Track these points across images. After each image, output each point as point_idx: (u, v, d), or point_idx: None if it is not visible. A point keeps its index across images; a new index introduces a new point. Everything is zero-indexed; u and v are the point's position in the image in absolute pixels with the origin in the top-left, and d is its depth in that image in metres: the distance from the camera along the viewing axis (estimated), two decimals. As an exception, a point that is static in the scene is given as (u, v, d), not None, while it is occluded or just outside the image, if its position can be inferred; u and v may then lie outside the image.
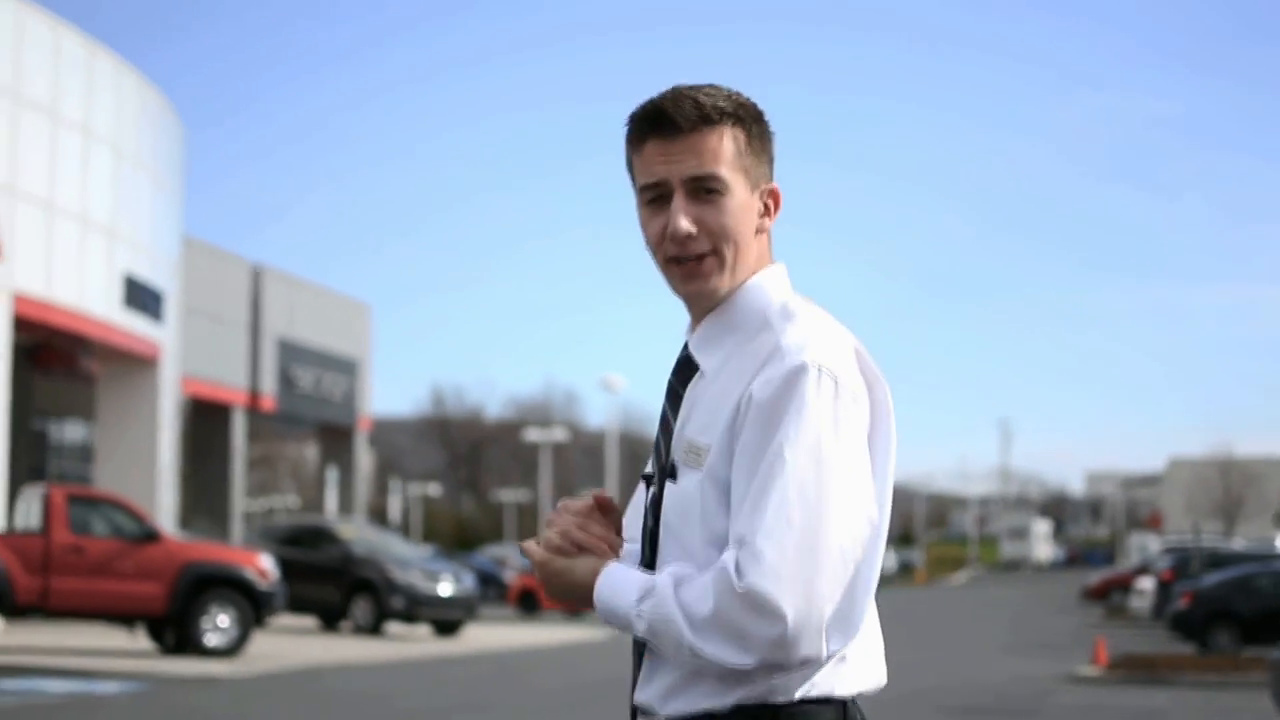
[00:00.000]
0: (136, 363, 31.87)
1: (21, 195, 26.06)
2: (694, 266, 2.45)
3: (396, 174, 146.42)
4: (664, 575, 2.37)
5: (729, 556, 2.30)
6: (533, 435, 78.99)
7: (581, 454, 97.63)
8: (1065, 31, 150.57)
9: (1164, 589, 35.86)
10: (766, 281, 2.49)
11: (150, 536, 21.08)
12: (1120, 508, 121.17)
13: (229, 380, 41.81)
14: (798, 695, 2.38)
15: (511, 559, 53.76)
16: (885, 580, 77.36)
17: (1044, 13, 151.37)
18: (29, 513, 21.47)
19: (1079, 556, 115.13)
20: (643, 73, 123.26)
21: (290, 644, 24.67)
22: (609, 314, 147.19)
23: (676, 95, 2.46)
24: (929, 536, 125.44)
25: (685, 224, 2.42)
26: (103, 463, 32.49)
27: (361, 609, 28.95)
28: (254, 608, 21.39)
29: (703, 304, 2.49)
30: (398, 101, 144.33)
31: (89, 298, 28.48)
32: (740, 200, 2.46)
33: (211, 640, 21.12)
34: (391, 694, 17.64)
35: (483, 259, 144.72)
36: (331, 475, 50.26)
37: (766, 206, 2.51)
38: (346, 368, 48.72)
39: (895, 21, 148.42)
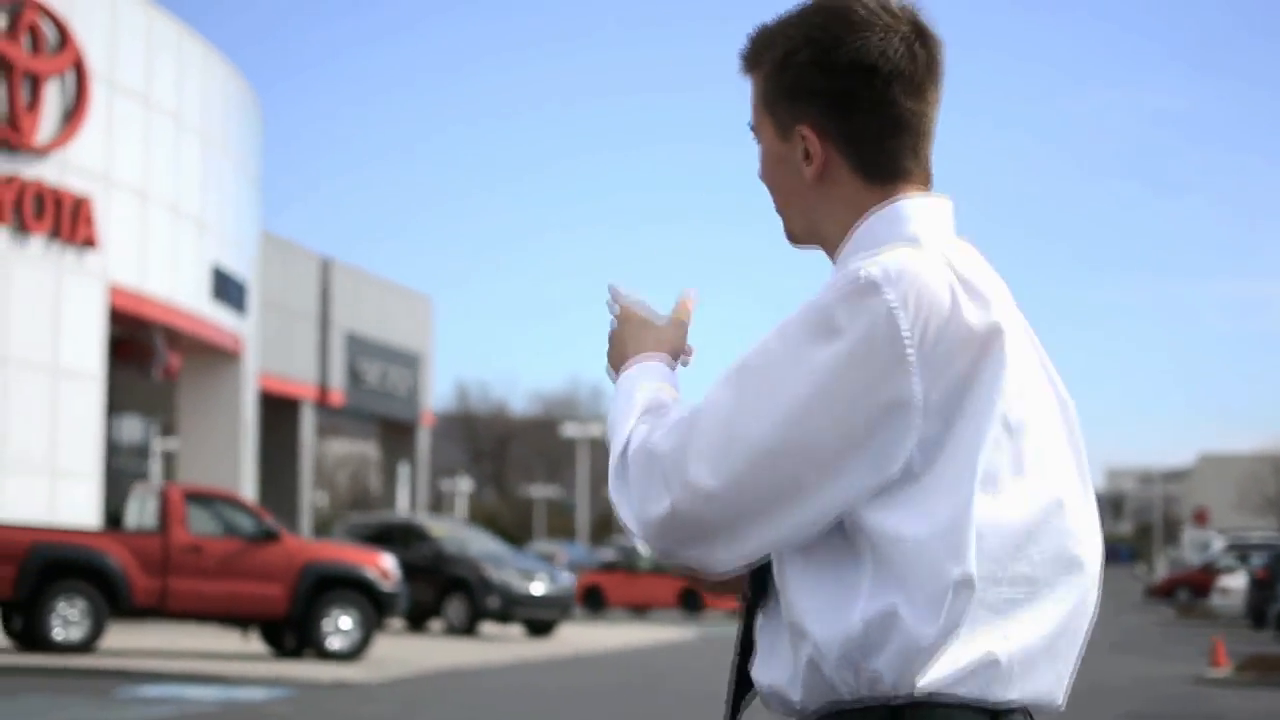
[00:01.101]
0: (222, 357, 31.22)
1: (116, 184, 25.38)
2: (777, 209, 2.26)
3: (409, 166, 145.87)
4: (675, 406, 2.13)
5: (674, 415, 2.08)
6: (570, 430, 78.46)
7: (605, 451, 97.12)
8: (1069, 27, 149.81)
9: (1259, 587, 35.15)
10: (897, 209, 2.14)
11: (270, 535, 20.39)
12: (1146, 503, 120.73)
13: (299, 375, 41.15)
14: (924, 689, 1.97)
15: (560, 555, 52.97)
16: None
17: (1048, 10, 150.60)
18: (143, 511, 20.79)
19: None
20: (659, 66, 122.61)
21: (397, 645, 23.94)
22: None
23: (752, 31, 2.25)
24: None
25: (759, 169, 2.26)
26: (184, 458, 31.83)
27: (455, 608, 28.23)
28: (376, 609, 20.70)
29: (802, 246, 2.26)
30: (410, 97, 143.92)
31: (181, 290, 27.83)
32: (768, 149, 2.22)
33: (334, 643, 20.41)
34: (557, 695, 16.92)
35: (502, 253, 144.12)
36: (404, 471, 49.60)
37: (806, 152, 2.17)
38: (409, 361, 48.11)
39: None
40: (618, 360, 2.26)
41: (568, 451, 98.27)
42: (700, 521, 1.99)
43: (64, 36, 23.86)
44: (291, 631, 20.76)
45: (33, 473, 23.47)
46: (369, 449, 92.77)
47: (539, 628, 28.78)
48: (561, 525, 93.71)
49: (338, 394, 43.17)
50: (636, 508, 2.04)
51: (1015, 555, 2.01)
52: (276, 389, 39.96)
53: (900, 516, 1.97)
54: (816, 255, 2.21)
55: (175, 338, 28.95)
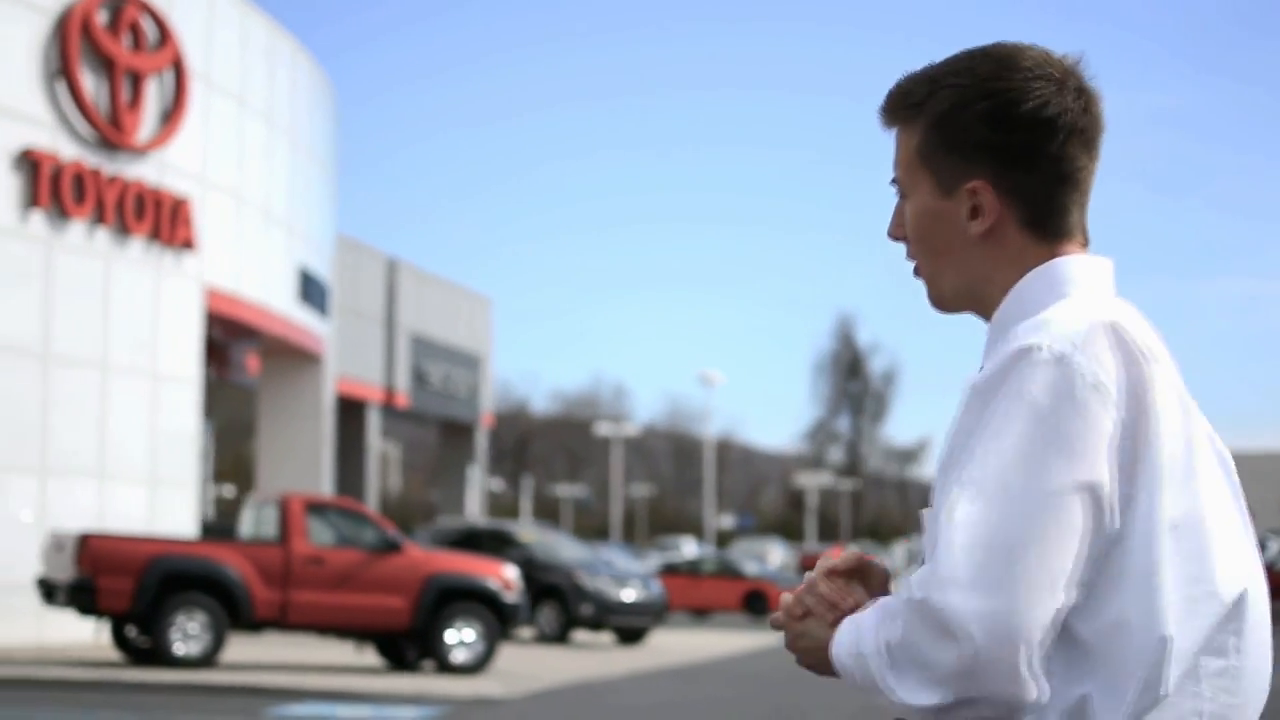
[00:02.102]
0: (305, 360, 30.69)
1: (212, 184, 24.82)
2: (918, 272, 2.19)
3: (437, 156, 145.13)
4: (872, 607, 2.02)
5: (917, 570, 1.96)
6: (603, 429, 77.92)
7: (630, 451, 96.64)
8: (1069, 27, 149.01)
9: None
10: (1056, 269, 2.08)
11: (393, 546, 19.82)
12: None
13: (366, 377, 40.65)
14: None
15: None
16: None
17: (1052, 10, 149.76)
18: (260, 521, 20.24)
19: None
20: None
21: (502, 656, 23.33)
22: (659, 308, 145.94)
23: (898, 80, 2.16)
24: None
25: (889, 225, 2.20)
26: (263, 462, 31.29)
27: (547, 616, 27.64)
28: (499, 621, 20.13)
29: (946, 311, 2.19)
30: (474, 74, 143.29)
31: (272, 292, 27.28)
32: (923, 205, 2.13)
33: (458, 656, 19.84)
34: (711, 708, 16.34)
35: (524, 251, 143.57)
36: (473, 474, 49.05)
37: (973, 208, 2.09)
38: (470, 363, 47.62)
39: (905, 21, 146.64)
40: (812, 656, 2.10)
41: (590, 450, 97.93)
42: (1000, 645, 1.86)
43: (164, 33, 23.30)
44: (414, 644, 20.20)
45: (133, 481, 22.93)
46: (390, 448, 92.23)
47: (629, 635, 28.23)
48: (589, 525, 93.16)
49: (403, 396, 42.65)
50: (924, 675, 1.90)
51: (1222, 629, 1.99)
52: (344, 391, 39.46)
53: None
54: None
55: (262, 341, 28.42)
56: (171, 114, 23.47)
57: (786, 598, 2.13)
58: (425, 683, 18.50)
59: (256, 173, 26.63)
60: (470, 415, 48.28)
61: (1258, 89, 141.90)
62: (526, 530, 30.05)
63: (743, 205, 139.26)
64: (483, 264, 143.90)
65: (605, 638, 28.80)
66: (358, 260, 40.19)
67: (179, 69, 23.57)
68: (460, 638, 19.89)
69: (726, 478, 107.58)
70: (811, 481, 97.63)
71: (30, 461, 21.08)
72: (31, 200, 21.10)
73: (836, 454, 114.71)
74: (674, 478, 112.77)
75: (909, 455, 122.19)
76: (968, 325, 2.16)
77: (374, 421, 41.64)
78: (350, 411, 40.90)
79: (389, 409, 43.50)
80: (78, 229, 21.90)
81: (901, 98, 2.13)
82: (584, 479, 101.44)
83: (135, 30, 22.81)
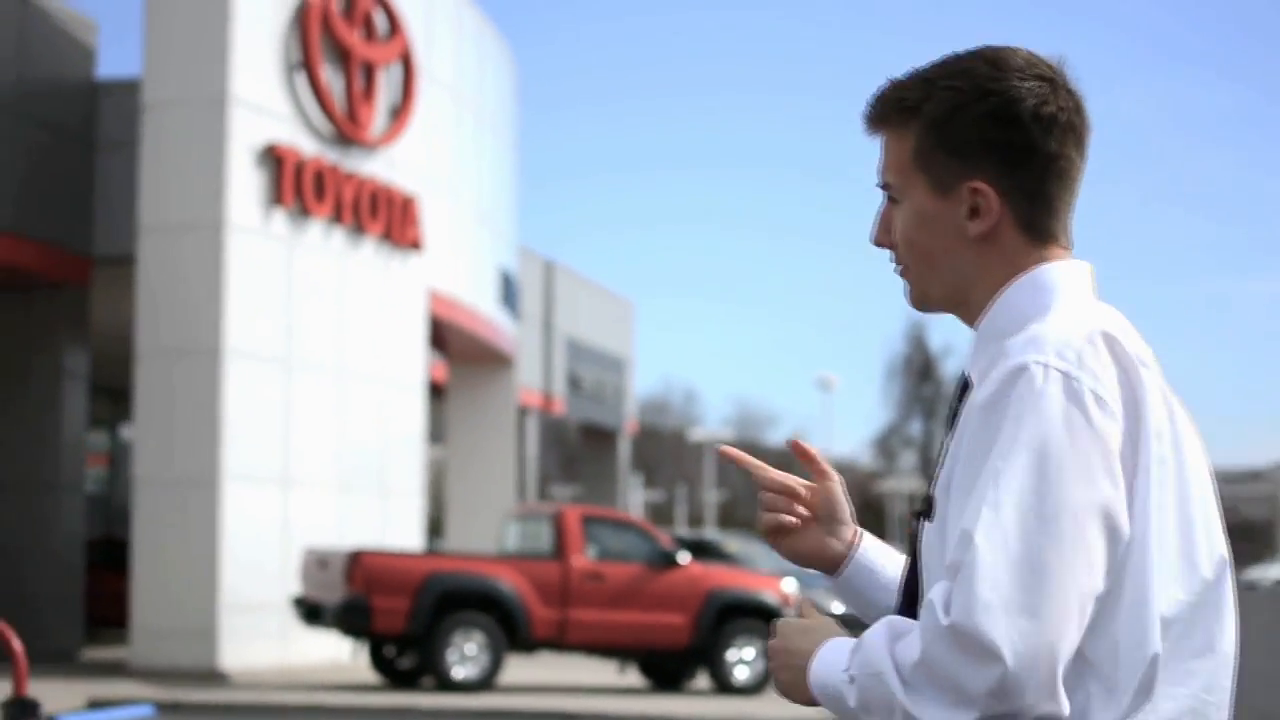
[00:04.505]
0: (499, 364, 29.69)
1: (431, 181, 23.80)
2: (903, 277, 2.19)
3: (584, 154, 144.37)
4: (878, 625, 1.99)
5: (939, 589, 1.92)
6: (697, 434, 76.97)
7: (706, 456, 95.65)
8: (1083, 27, 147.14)
9: None
10: (1042, 276, 2.10)
11: (671, 560, 18.73)
12: (1226, 504, 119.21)
13: (527, 382, 39.64)
14: None
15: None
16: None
17: (1066, 10, 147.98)
18: (526, 535, 19.21)
19: None
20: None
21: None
22: (727, 312, 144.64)
23: (881, 85, 2.18)
24: None
25: (873, 230, 2.21)
26: (453, 468, 30.28)
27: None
28: (781, 639, 19.01)
29: (930, 312, 2.21)
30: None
31: (481, 294, 26.30)
32: (918, 207, 2.13)
33: (739, 675, 18.76)
34: None
35: (592, 254, 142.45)
36: (635, 480, 48.03)
37: (973, 209, 2.10)
38: (617, 367, 46.65)
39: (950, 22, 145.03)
40: (790, 680, 2.08)
41: (660, 455, 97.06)
42: (1035, 665, 1.86)
43: (393, 24, 22.30)
44: (689, 663, 19.12)
45: (367, 491, 21.91)
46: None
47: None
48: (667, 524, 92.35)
49: (560, 402, 41.65)
50: (951, 696, 1.88)
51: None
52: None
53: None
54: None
55: (454, 345, 27.42)
56: (400, 108, 22.46)
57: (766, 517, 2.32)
58: (716, 705, 17.38)
59: (470, 170, 25.65)
60: (615, 421, 47.31)
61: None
62: (731, 541, 29.02)
63: (815, 214, 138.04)
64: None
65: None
66: (520, 263, 39.23)
67: (407, 61, 22.57)
68: (740, 655, 18.82)
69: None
70: (900, 486, 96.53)
71: (272, 473, 20.08)
72: (275, 198, 20.10)
73: (909, 459, 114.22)
74: (743, 484, 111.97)
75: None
76: None
77: (532, 429, 40.62)
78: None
79: (546, 414, 42.53)
80: (316, 228, 20.91)
81: (894, 102, 2.14)
82: (660, 484, 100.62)
83: (367, 21, 21.81)
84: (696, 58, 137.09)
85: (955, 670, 1.87)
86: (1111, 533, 1.94)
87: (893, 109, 2.14)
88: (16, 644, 8.14)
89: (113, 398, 27.47)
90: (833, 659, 2.01)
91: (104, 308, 22.54)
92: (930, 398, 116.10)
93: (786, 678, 2.08)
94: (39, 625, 19.35)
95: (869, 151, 2.24)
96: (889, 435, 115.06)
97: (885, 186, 2.17)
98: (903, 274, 2.18)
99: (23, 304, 22.00)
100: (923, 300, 2.17)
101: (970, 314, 2.14)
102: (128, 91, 21.23)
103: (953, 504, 1.99)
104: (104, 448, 29.92)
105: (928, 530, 2.07)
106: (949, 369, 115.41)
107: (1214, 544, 2.07)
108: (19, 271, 20.98)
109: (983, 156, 2.09)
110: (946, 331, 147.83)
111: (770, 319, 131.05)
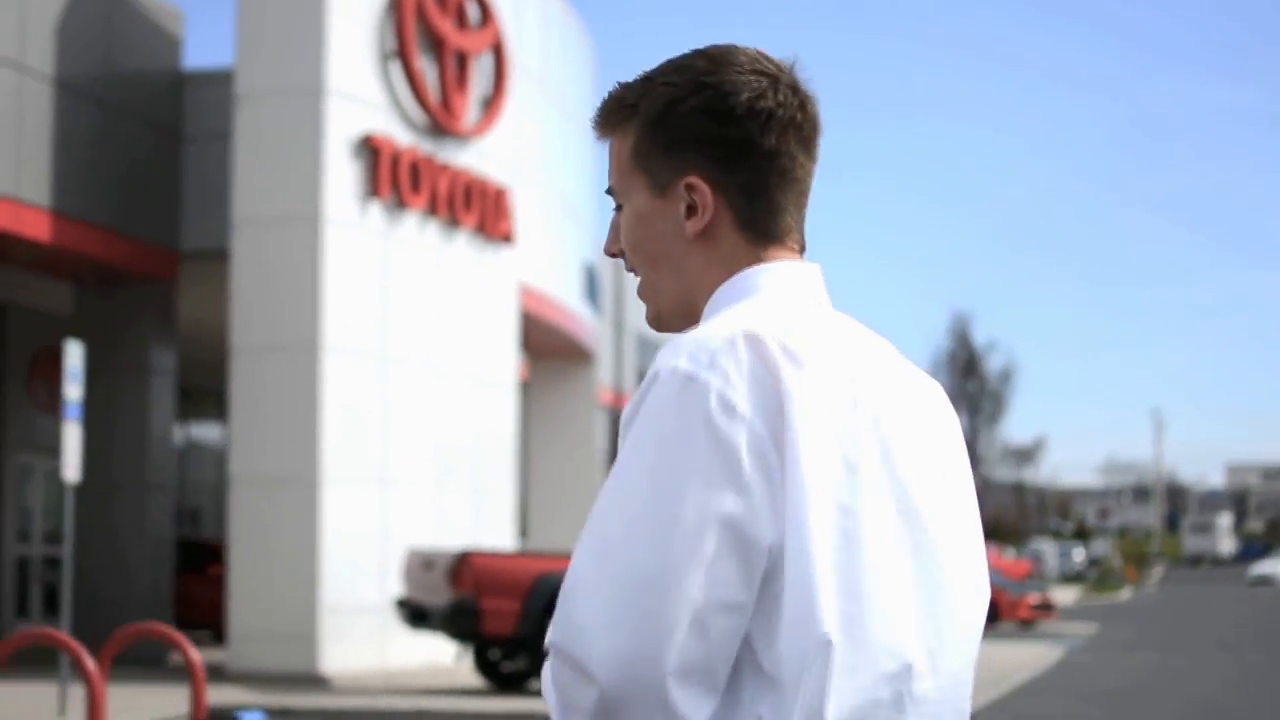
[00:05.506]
0: (581, 359, 29.23)
1: (521, 173, 23.32)
2: (639, 289, 2.09)
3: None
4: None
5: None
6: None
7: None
8: (1133, 25, 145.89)
9: None
10: (742, 280, 2.02)
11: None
12: (1271, 498, 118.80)
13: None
14: None
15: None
16: (1110, 584, 73.72)
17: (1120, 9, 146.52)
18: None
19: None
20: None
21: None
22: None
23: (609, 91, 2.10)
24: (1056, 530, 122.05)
25: (606, 240, 2.14)
26: (538, 467, 29.81)
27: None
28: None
29: (663, 329, 2.09)
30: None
31: (568, 288, 25.83)
32: (638, 208, 2.05)
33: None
34: None
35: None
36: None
37: (689, 205, 2.02)
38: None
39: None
40: None
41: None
42: (632, 683, 1.83)
43: (485, 12, 21.81)
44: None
45: (460, 489, 21.43)
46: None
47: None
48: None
49: (628, 399, 41.25)
50: (575, 717, 1.85)
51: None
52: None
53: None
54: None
55: (551, 338, 26.96)
56: (492, 99, 21.97)
57: None
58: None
59: (556, 162, 25.20)
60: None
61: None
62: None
63: (859, 206, 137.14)
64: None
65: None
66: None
67: (498, 51, 22.08)
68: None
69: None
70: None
71: (371, 471, 19.61)
72: (371, 190, 19.62)
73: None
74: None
75: (1027, 454, 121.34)
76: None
77: (600, 424, 40.17)
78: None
79: (614, 412, 42.08)
80: (411, 220, 20.43)
81: (615, 103, 2.07)
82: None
83: (460, 10, 21.32)
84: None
85: (567, 691, 1.84)
86: (741, 542, 1.83)
87: (614, 110, 2.07)
88: (195, 655, 7.68)
89: (183, 395, 27.07)
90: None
91: (182, 304, 22.19)
92: (975, 394, 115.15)
93: None
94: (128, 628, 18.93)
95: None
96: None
97: (610, 191, 2.10)
98: (639, 291, 2.08)
99: (109, 300, 21.60)
100: (658, 314, 2.08)
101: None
102: (214, 82, 20.82)
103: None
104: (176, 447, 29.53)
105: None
106: (994, 365, 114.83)
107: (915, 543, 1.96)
108: (106, 267, 20.58)
109: (697, 152, 2.02)
110: (991, 326, 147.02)
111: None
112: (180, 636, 7.91)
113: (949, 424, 2.06)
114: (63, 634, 7.57)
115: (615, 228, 2.10)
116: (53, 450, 24.44)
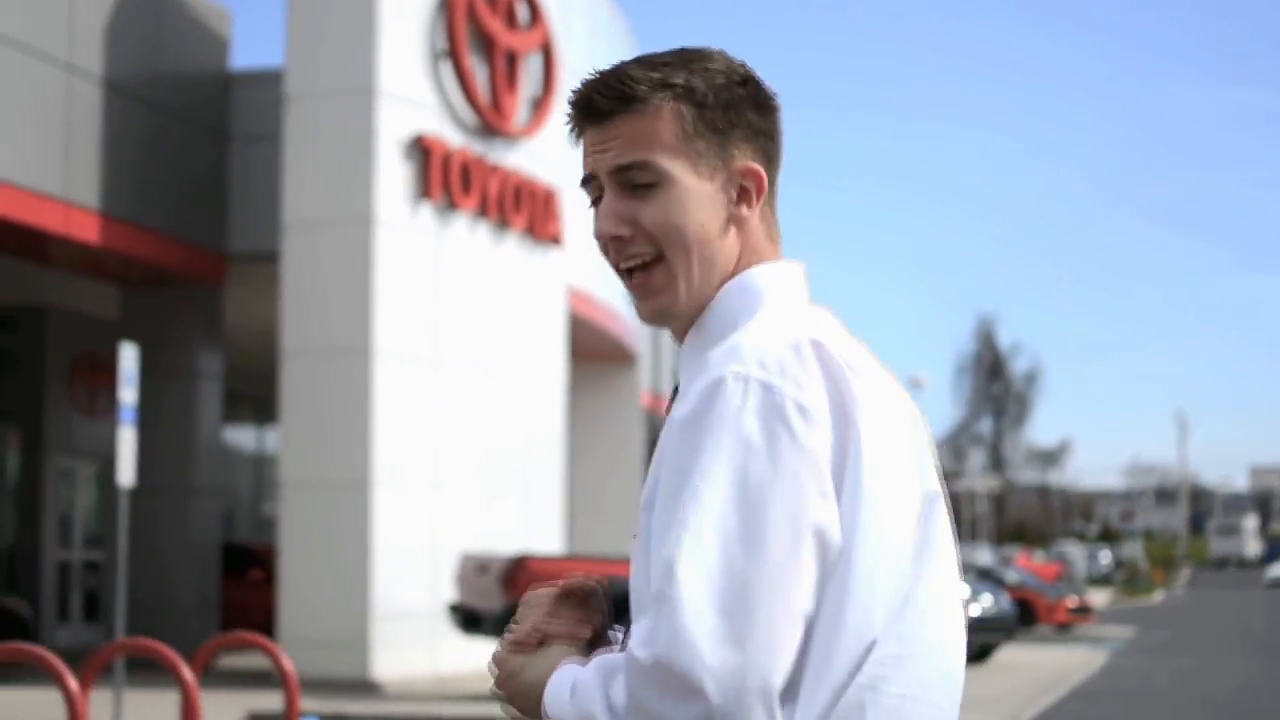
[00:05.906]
0: (623, 362, 29.04)
1: (566, 174, 23.13)
2: (645, 279, 2.04)
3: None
4: (591, 664, 1.91)
5: (642, 625, 1.84)
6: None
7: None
8: (1153, 27, 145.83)
9: None
10: (750, 280, 2.02)
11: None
12: None
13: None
14: None
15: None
16: (1141, 587, 73.34)
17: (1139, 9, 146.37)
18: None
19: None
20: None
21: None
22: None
23: (606, 72, 2.05)
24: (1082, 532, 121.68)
25: (607, 225, 2.03)
26: (579, 470, 29.63)
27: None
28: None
29: (668, 323, 2.07)
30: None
31: (612, 289, 25.63)
32: (688, 189, 2.01)
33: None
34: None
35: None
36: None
37: (742, 190, 2.04)
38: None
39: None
40: (521, 699, 2.01)
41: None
42: (742, 698, 1.79)
43: (534, 12, 21.62)
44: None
45: (509, 493, 21.24)
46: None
47: (975, 653, 26.33)
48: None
49: (666, 401, 41.10)
50: None
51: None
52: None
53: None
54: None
55: (597, 340, 26.77)
56: (541, 99, 21.79)
57: (513, 628, 2.06)
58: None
59: (600, 162, 24.99)
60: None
61: None
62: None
63: (884, 211, 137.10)
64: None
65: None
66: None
67: (547, 51, 21.90)
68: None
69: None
70: (974, 486, 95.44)
71: (422, 475, 19.42)
72: (423, 191, 19.45)
73: (978, 457, 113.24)
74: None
75: (1051, 457, 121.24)
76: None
77: (636, 429, 40.00)
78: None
79: (654, 414, 41.90)
80: (462, 222, 20.25)
81: (648, 81, 2.00)
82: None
83: (509, 10, 21.15)
84: (797, 60, 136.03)
85: (661, 709, 1.80)
86: (823, 549, 1.86)
87: (650, 88, 2.00)
88: (288, 664, 7.51)
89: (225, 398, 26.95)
90: (562, 693, 1.92)
91: (229, 307, 22.04)
92: (1000, 396, 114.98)
93: (519, 699, 2.02)
94: (176, 632, 18.79)
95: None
96: (958, 434, 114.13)
97: (621, 170, 2.01)
98: (651, 272, 2.02)
99: (156, 303, 21.45)
100: (664, 309, 2.06)
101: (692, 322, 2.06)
102: (260, 83, 20.67)
103: (656, 524, 1.90)
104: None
105: (634, 548, 1.98)
106: (1019, 367, 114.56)
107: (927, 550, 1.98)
108: (154, 269, 20.43)
109: (744, 140, 2.04)
110: (1017, 328, 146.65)
111: (859, 321, 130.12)
112: (274, 645, 7.73)
113: (926, 431, 2.08)
114: (160, 644, 7.41)
115: (617, 212, 2.02)
116: (92, 454, 24.39)
